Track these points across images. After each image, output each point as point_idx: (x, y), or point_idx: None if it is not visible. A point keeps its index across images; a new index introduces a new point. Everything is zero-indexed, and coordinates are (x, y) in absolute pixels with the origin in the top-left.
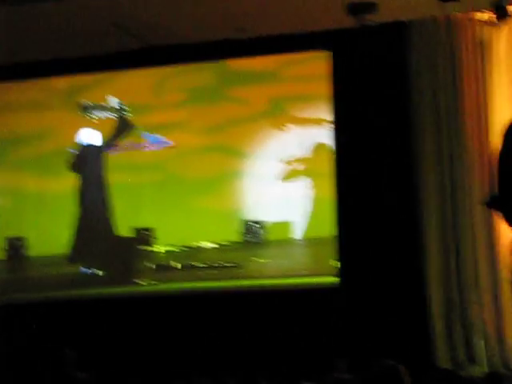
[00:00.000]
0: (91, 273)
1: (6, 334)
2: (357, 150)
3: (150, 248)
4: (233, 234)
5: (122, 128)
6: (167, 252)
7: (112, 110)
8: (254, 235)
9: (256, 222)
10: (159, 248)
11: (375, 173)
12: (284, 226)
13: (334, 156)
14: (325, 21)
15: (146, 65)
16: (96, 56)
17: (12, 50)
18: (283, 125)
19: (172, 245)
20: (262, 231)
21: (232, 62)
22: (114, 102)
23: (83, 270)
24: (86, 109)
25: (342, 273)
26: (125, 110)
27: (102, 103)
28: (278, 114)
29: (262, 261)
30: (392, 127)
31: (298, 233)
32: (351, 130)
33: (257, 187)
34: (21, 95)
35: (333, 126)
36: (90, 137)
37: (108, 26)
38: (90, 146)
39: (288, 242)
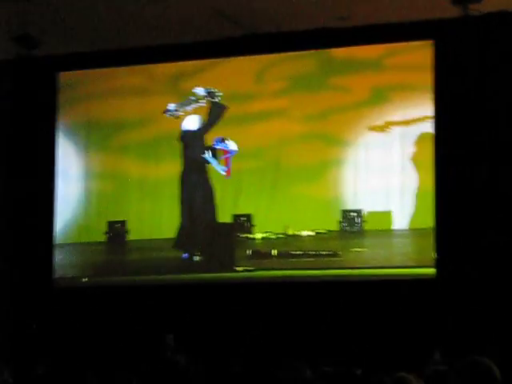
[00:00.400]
0: (191, 259)
1: (101, 315)
2: (458, 141)
3: (247, 235)
4: (331, 223)
5: (215, 112)
6: (264, 239)
7: (201, 98)
8: (352, 224)
9: (354, 211)
10: (257, 235)
11: (476, 165)
12: (383, 215)
13: (435, 147)
14: (429, 10)
15: (249, 53)
16: (199, 43)
17: (119, 35)
18: (385, 113)
19: (269, 232)
20: (360, 220)
21: (334, 51)
22: (200, 91)
23: (184, 256)
24: (170, 111)
25: (439, 264)
26: (214, 94)
27: (189, 97)
28: (380, 103)
29: (360, 250)
30: (495, 119)
31: (396, 223)
32: (453, 121)
33: (357, 176)
34: (126, 81)
35: (434, 117)
36: (191, 122)
37: (211, 13)
38: (190, 131)
39: (386, 232)
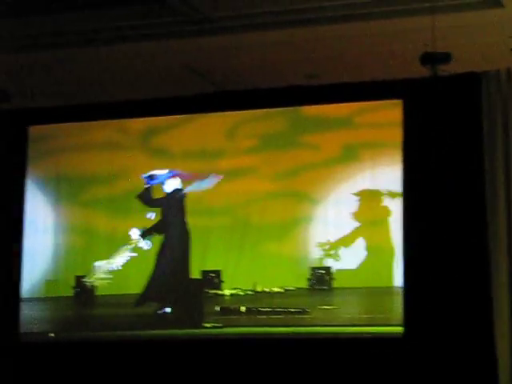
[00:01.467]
0: (159, 314)
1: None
2: (426, 198)
3: (216, 291)
4: (300, 280)
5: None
6: (233, 295)
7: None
8: (320, 282)
9: (323, 269)
10: (225, 291)
11: (445, 222)
12: (351, 273)
13: (404, 205)
14: (397, 69)
15: (220, 109)
16: (172, 99)
17: (88, 89)
18: (355, 171)
19: (238, 288)
20: (328, 278)
21: (304, 109)
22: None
23: (153, 310)
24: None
25: (407, 323)
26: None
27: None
28: (350, 160)
29: (328, 307)
30: (463, 177)
31: (365, 281)
32: (421, 178)
33: (327, 233)
34: (97, 135)
35: (402, 173)
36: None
37: (184, 69)
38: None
39: (355, 290)
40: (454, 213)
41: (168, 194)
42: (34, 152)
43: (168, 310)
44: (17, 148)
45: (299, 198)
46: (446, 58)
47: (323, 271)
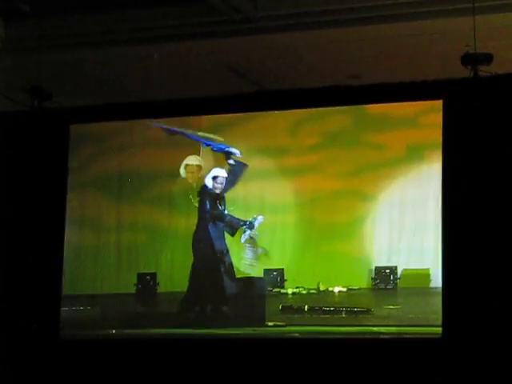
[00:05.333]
0: (217, 312)
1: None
2: (468, 200)
3: (279, 289)
4: (363, 280)
5: (237, 170)
6: (295, 294)
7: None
8: (385, 281)
9: (388, 268)
10: (288, 290)
11: (489, 224)
12: (419, 273)
13: (442, 205)
14: (439, 70)
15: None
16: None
17: (130, 89)
18: (419, 171)
19: (301, 287)
20: (394, 277)
21: (369, 107)
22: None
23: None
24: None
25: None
26: (232, 153)
27: None
28: (415, 160)
29: (393, 307)
30: (505, 178)
31: (433, 281)
32: (464, 180)
33: (390, 233)
34: (157, 133)
35: (445, 176)
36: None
37: (223, 68)
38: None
39: (421, 290)
40: (497, 213)
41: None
42: (95, 150)
43: (225, 308)
44: (61, 147)
45: (363, 197)
46: (487, 58)
47: (388, 271)
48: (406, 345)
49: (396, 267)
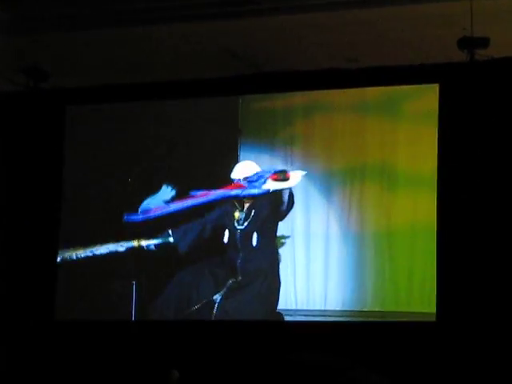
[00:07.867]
0: None
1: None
2: (463, 187)
3: None
4: None
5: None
6: None
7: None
8: None
9: None
10: None
11: (483, 215)
12: None
13: (437, 192)
14: (435, 54)
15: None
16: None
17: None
18: None
19: None
20: None
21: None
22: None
23: None
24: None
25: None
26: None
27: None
28: None
29: None
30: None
31: None
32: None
33: None
34: None
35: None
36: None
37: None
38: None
39: None
40: (492, 198)
41: None
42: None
43: None
44: (55, 128)
45: None
46: (484, 42)
47: None
48: (400, 329)
49: None
